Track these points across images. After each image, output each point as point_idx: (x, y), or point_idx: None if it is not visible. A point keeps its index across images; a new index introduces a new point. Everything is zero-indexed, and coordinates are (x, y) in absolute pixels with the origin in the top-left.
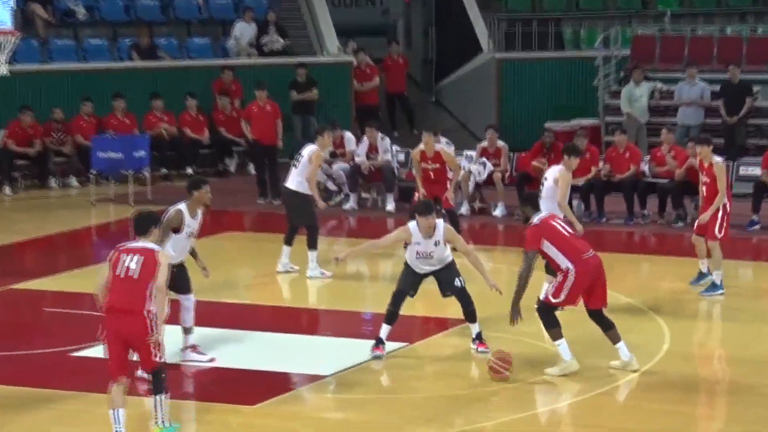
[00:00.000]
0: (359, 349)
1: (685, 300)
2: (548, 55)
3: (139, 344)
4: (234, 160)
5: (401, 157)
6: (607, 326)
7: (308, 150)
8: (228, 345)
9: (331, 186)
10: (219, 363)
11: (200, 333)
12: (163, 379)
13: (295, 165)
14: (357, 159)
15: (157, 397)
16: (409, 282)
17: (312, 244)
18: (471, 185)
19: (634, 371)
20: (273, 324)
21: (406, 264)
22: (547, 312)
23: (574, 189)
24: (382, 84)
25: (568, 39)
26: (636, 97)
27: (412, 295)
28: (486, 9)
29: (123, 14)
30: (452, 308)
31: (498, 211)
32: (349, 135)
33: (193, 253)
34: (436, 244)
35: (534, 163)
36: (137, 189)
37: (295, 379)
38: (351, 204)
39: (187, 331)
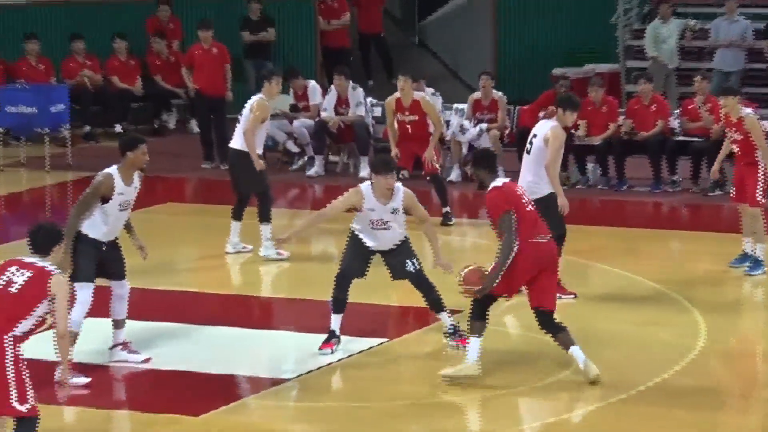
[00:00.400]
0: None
1: (725, 285)
2: None
3: None
4: (173, 115)
5: (377, 111)
6: (558, 330)
7: (251, 99)
8: (167, 342)
9: (293, 147)
10: (156, 364)
11: (133, 327)
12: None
13: (239, 120)
14: (323, 114)
15: None
16: (355, 261)
17: (264, 217)
18: (464, 146)
19: (593, 383)
20: (221, 316)
21: (352, 236)
22: (478, 301)
23: (590, 150)
24: (354, 22)
25: None
26: (663, 37)
27: (360, 277)
28: None
29: None
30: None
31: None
32: (313, 85)
33: (128, 228)
34: (393, 212)
35: (552, 108)
36: (54, 151)
37: (249, 384)
38: (316, 169)
39: (118, 324)
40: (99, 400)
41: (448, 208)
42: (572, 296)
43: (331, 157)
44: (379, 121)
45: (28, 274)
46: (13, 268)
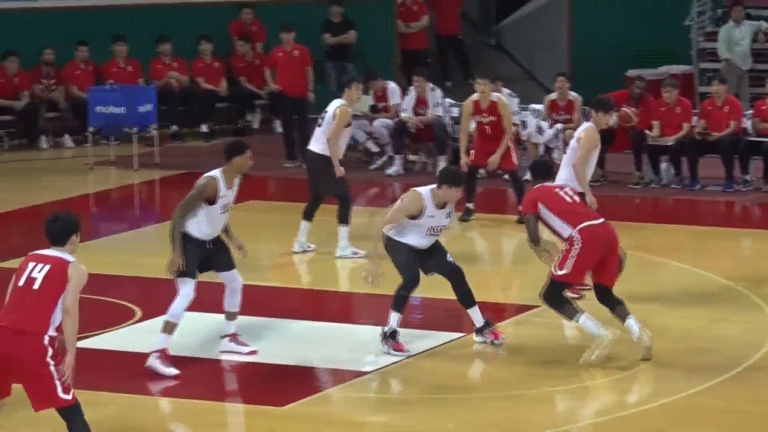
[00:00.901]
0: (404, 341)
1: None
2: None
3: (31, 377)
4: (257, 115)
5: (455, 111)
6: (615, 303)
7: (333, 105)
8: (251, 335)
9: (373, 146)
10: (240, 357)
11: (216, 320)
12: (79, 419)
13: (319, 123)
14: (403, 114)
15: None
16: (415, 265)
17: (343, 219)
18: (541, 147)
19: (646, 356)
20: (303, 311)
21: (398, 244)
22: (552, 292)
23: (663, 150)
24: (432, 24)
25: None
26: (736, 39)
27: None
28: None
29: None
30: (512, 292)
31: None
32: (392, 86)
33: (225, 229)
34: (447, 216)
35: (624, 109)
36: (142, 150)
37: (331, 376)
38: (395, 168)
39: (229, 316)
40: (187, 392)
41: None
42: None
43: (410, 157)
44: (456, 122)
45: (46, 269)
46: (32, 264)
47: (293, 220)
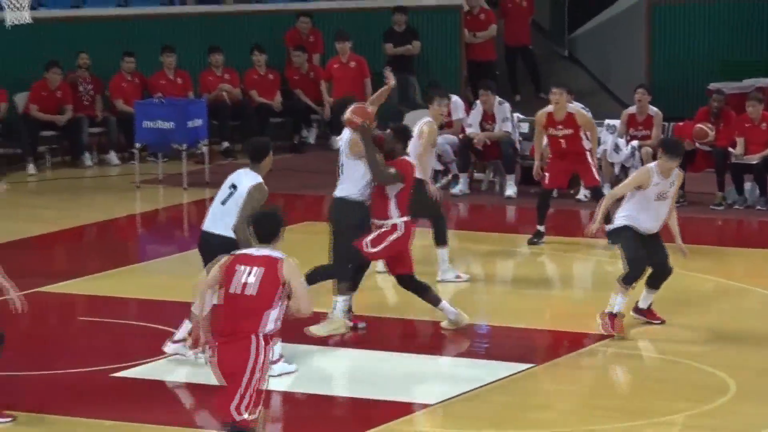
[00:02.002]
0: (471, 371)
1: None
2: None
3: (233, 371)
4: (313, 130)
5: (524, 127)
6: (423, 290)
7: (419, 122)
8: (309, 363)
9: (436, 165)
10: (299, 386)
11: (287, 351)
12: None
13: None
14: (468, 130)
15: None
16: (643, 258)
17: (441, 240)
18: (617, 167)
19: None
20: (362, 339)
21: (627, 229)
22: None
23: (747, 169)
24: (500, 34)
25: None
26: None
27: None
28: None
29: None
30: (587, 321)
31: None
32: (457, 100)
33: None
34: (671, 184)
35: (699, 125)
36: (192, 168)
37: (393, 408)
38: (461, 187)
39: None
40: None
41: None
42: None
43: (476, 175)
44: (526, 138)
45: (260, 272)
46: (241, 268)
47: None
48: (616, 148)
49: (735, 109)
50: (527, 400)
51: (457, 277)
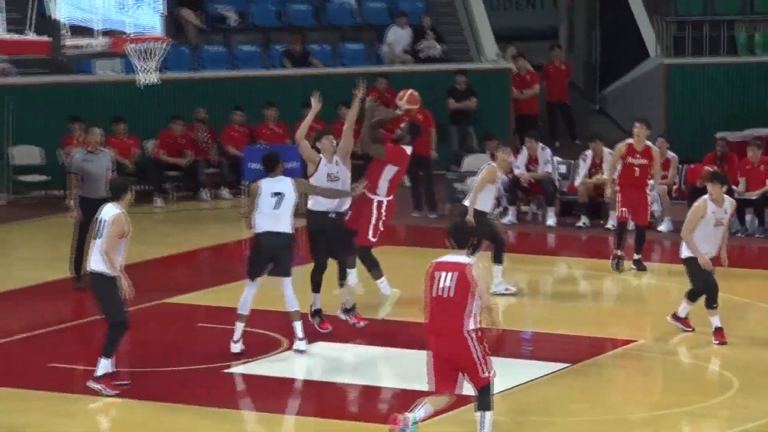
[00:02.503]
0: (518, 369)
1: None
2: (720, 60)
3: (465, 364)
4: None
5: (563, 169)
6: (373, 264)
7: (482, 166)
8: (380, 363)
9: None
10: (370, 382)
11: (352, 350)
12: (490, 397)
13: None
14: (516, 171)
15: (480, 414)
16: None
17: (498, 259)
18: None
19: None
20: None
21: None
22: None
23: (748, 203)
24: (543, 91)
25: (741, 43)
26: None
27: None
28: (654, 11)
29: (275, 20)
30: (617, 328)
31: (664, 227)
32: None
33: None
34: (725, 211)
35: (707, 167)
36: None
37: (457, 400)
38: (510, 218)
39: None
40: (340, 412)
41: (640, 256)
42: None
43: (523, 208)
44: (564, 177)
45: (455, 276)
46: (441, 274)
47: (420, 262)
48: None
49: (738, 154)
50: (567, 393)
51: (506, 289)
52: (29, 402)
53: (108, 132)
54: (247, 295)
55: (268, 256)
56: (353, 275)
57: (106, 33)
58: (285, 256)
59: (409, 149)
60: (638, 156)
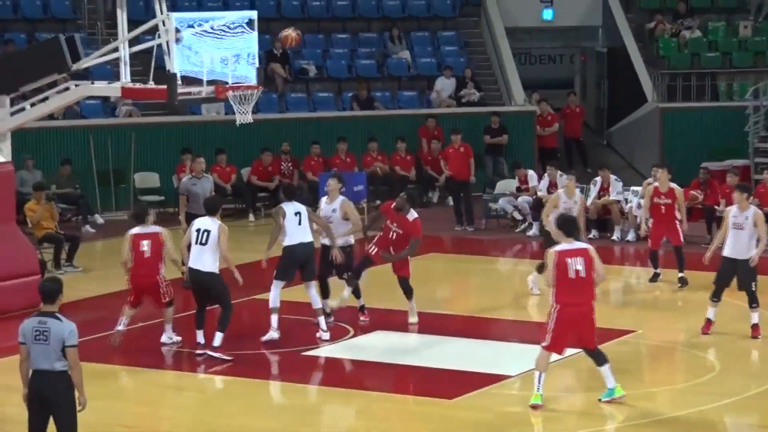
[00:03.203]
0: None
1: None
2: (705, 105)
3: (588, 332)
4: (436, 193)
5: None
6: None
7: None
8: (429, 348)
9: (517, 215)
10: (422, 363)
11: (406, 338)
12: (602, 353)
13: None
14: (539, 193)
15: (605, 367)
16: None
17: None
18: (639, 218)
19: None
20: (466, 331)
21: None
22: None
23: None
24: (561, 129)
25: (722, 91)
26: None
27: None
28: (651, 65)
29: (346, 72)
30: (622, 319)
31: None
32: (531, 173)
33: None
34: (746, 218)
35: (692, 192)
36: None
37: (487, 378)
38: (534, 231)
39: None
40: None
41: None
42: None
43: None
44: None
45: (582, 259)
46: (571, 260)
47: (462, 267)
48: (639, 206)
49: (720, 180)
50: (580, 373)
51: (531, 288)
52: (148, 377)
53: (211, 162)
54: (278, 293)
55: (299, 261)
56: (347, 291)
57: (211, 82)
58: (312, 261)
59: (412, 216)
60: (663, 197)
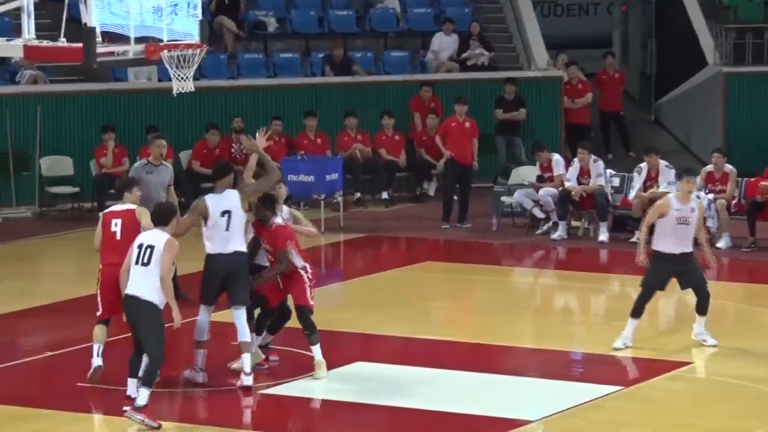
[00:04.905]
0: (567, 392)
1: None
2: None
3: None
4: (433, 183)
5: (616, 182)
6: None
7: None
8: (425, 384)
9: (538, 213)
10: (416, 404)
11: (395, 371)
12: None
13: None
14: (567, 184)
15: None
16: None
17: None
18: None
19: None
20: (473, 362)
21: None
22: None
23: None
24: (595, 101)
25: None
26: None
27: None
28: (712, 18)
29: (316, 26)
30: (669, 349)
31: (722, 243)
32: (557, 157)
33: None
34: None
35: (763, 182)
36: (329, 215)
37: (498, 424)
38: (560, 233)
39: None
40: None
41: None
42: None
43: (573, 223)
44: (617, 191)
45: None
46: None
47: (463, 278)
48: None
49: None
50: (617, 417)
51: (704, 340)
52: (59, 424)
53: (140, 143)
54: (203, 319)
55: (220, 277)
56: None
57: (141, 40)
58: (241, 279)
59: (274, 223)
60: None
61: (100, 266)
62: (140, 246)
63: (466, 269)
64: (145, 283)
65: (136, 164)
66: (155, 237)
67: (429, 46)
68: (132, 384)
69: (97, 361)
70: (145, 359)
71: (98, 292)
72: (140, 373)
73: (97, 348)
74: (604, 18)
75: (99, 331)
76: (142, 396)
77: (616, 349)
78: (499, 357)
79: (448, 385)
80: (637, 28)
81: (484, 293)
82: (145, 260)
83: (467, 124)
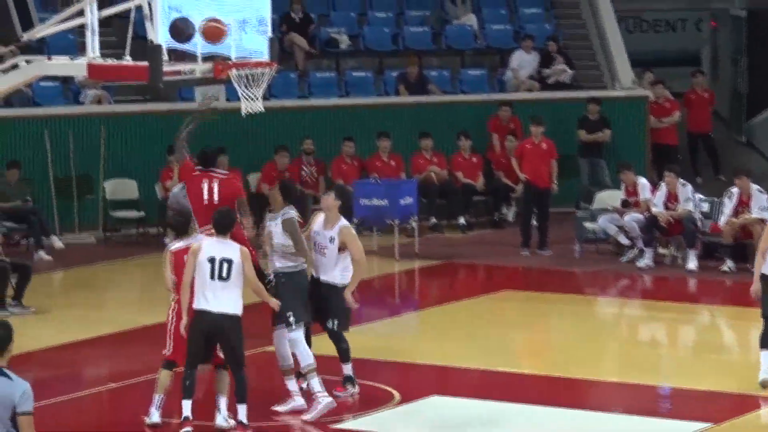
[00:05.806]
0: (654, 429)
1: None
2: None
3: None
4: (512, 208)
5: (705, 207)
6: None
7: None
8: (503, 420)
9: (623, 239)
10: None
11: (471, 405)
12: None
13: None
14: (653, 209)
15: None
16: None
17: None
18: None
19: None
20: (554, 397)
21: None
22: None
23: None
24: (683, 122)
25: None
26: None
27: None
28: None
29: (390, 43)
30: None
31: None
32: (643, 181)
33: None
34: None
35: None
36: (403, 241)
37: None
38: (646, 261)
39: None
40: None
41: None
42: None
43: (660, 250)
44: (706, 216)
45: None
46: None
47: (542, 308)
48: None
49: None
50: None
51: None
52: None
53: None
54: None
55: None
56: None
57: (208, 58)
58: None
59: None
60: None
61: (174, 305)
62: (212, 260)
63: (547, 298)
64: (227, 297)
65: (175, 189)
66: (227, 249)
67: (508, 64)
68: (187, 405)
69: (155, 415)
70: (236, 374)
71: (170, 330)
72: (236, 391)
73: (158, 400)
74: (692, 34)
75: (165, 378)
76: (242, 412)
77: (763, 386)
78: (582, 391)
79: (527, 420)
80: (727, 45)
81: (566, 324)
82: (224, 275)
83: (544, 145)
